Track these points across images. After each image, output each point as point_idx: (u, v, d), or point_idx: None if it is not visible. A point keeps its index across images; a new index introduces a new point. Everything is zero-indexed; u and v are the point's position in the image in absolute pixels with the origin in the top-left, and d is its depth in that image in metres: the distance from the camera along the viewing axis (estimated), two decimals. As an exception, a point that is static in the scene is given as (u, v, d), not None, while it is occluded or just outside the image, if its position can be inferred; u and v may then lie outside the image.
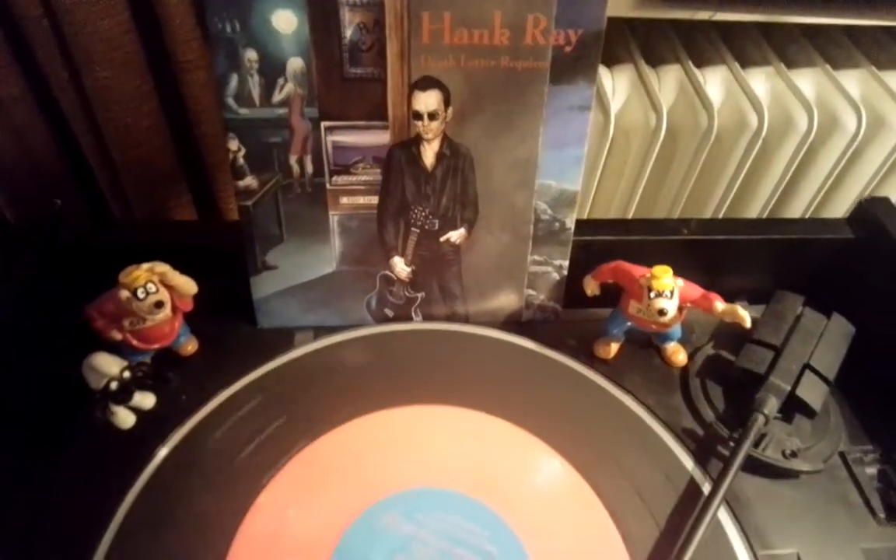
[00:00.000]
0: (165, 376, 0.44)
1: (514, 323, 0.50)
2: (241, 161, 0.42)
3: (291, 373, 0.45)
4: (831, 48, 0.71)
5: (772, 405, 0.42)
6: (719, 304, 0.41)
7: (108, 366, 0.38)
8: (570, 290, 0.49)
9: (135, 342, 0.42)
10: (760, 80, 0.67)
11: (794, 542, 0.39)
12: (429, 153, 0.42)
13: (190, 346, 0.46)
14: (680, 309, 0.43)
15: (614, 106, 0.65)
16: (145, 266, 0.39)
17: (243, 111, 0.40)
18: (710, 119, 0.62)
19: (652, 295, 0.41)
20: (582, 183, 0.44)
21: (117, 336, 0.42)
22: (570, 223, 0.46)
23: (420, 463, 0.40)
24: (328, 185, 0.43)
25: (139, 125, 0.51)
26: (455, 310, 0.49)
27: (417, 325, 0.49)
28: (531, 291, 0.49)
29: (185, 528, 0.37)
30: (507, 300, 0.49)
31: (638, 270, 0.43)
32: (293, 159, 0.42)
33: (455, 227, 0.45)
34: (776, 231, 0.49)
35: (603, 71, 0.65)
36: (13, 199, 0.53)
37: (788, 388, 0.42)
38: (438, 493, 0.39)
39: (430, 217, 0.45)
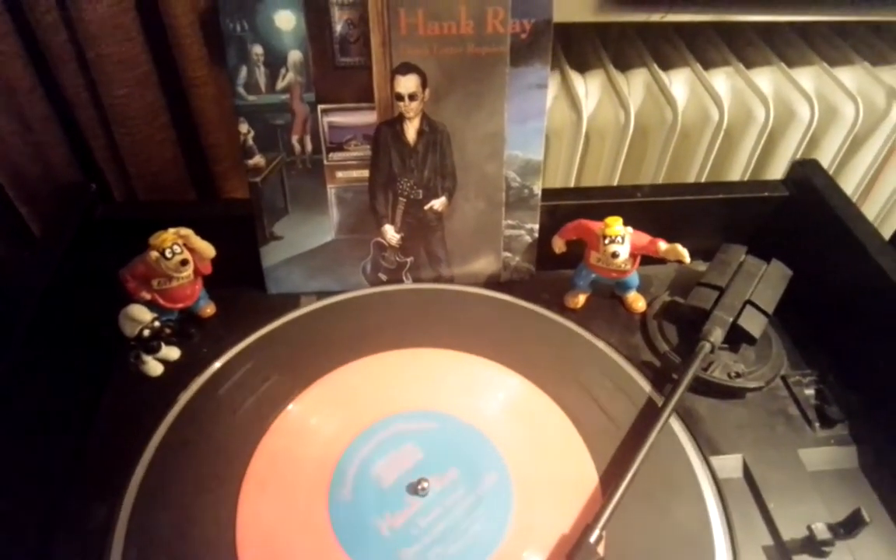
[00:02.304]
0: (188, 332, 0.51)
1: (493, 283, 0.56)
2: (250, 142, 0.49)
3: (298, 327, 0.51)
4: (785, 47, 0.78)
5: (717, 334, 0.47)
6: (662, 245, 0.47)
7: (142, 314, 0.45)
8: (541, 253, 0.56)
9: (162, 301, 0.49)
10: (721, 79, 0.74)
11: (740, 449, 0.45)
12: (411, 130, 0.49)
13: (209, 309, 0.52)
14: (633, 256, 0.49)
15: (587, 108, 0.72)
16: (172, 230, 0.46)
17: (251, 98, 0.47)
18: (674, 115, 0.69)
19: (606, 241, 0.48)
20: (546, 160, 0.51)
21: (146, 296, 0.48)
22: (538, 190, 0.53)
23: (414, 392, 0.46)
24: (325, 161, 0.50)
25: (152, 139, 0.56)
26: (441, 272, 0.56)
27: (408, 286, 0.55)
28: (507, 253, 0.55)
29: (209, 452, 0.43)
30: (486, 262, 0.55)
31: (595, 224, 0.49)
32: (295, 139, 0.49)
33: (437, 196, 0.52)
34: (720, 191, 0.55)
35: (575, 76, 0.72)
36: (37, 213, 0.59)
37: (731, 319, 0.48)
38: (430, 414, 0.45)
39: (415, 187, 0.51)
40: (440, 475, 0.41)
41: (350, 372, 0.48)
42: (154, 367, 0.48)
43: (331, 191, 0.51)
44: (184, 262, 0.47)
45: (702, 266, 0.56)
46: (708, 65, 0.74)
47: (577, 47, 0.77)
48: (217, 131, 0.59)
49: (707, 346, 0.47)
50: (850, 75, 0.73)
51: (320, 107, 0.48)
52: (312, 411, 0.45)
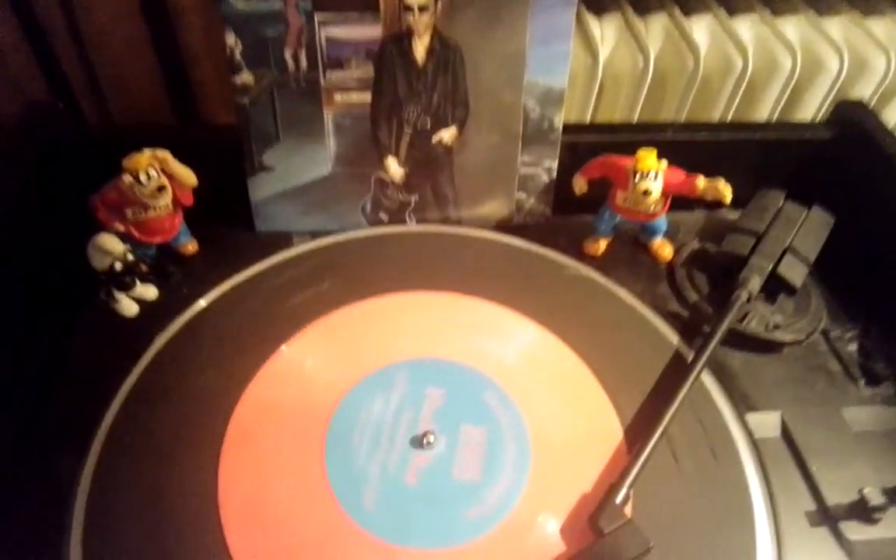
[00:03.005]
0: (168, 271, 0.46)
1: (505, 227, 0.51)
2: (237, 57, 0.43)
3: (289, 268, 0.46)
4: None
5: (754, 283, 0.43)
6: (701, 181, 0.43)
7: (113, 245, 0.40)
8: (558, 196, 0.51)
9: (137, 234, 0.44)
10: (745, 27, 0.68)
11: (778, 407, 0.40)
12: (420, 48, 0.44)
13: (190, 246, 0.47)
14: (665, 196, 0.44)
15: (603, 53, 0.67)
16: (147, 151, 0.41)
17: (240, 4, 0.42)
18: (696, 61, 0.64)
19: (637, 178, 0.43)
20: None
21: (120, 227, 0.43)
22: (559, 122, 0.48)
23: (420, 338, 0.42)
24: (322, 82, 0.45)
25: (131, 63, 0.51)
26: (448, 213, 0.51)
27: (412, 227, 0.50)
28: (521, 194, 0.50)
29: (188, 400, 0.38)
30: (498, 203, 0.50)
31: (625, 159, 0.44)
32: (288, 54, 0.44)
33: (447, 126, 0.47)
34: (758, 131, 0.50)
35: (591, 19, 0.67)
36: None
37: (770, 266, 0.44)
38: (438, 362, 0.40)
39: (422, 115, 0.46)
40: (448, 427, 0.37)
41: (348, 314, 0.43)
42: (128, 307, 0.43)
43: (328, 116, 0.46)
44: (161, 189, 0.41)
45: (733, 214, 0.51)
46: (732, 12, 0.69)
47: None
48: (204, 60, 0.54)
49: (743, 296, 0.42)
50: (882, 26, 0.68)
51: (318, 15, 0.42)
52: (307, 355, 0.41)
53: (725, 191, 0.42)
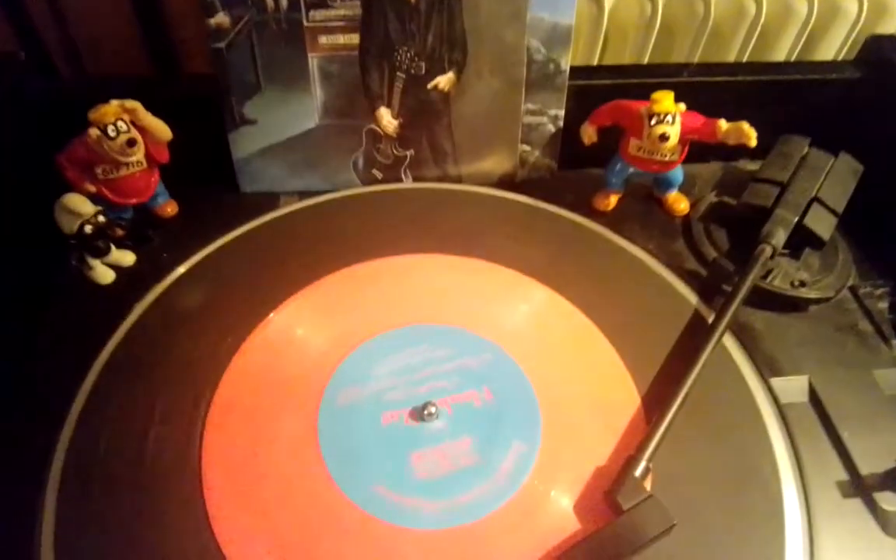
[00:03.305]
0: (145, 235, 0.42)
1: (508, 184, 0.48)
2: (212, -5, 0.39)
3: (278, 229, 0.43)
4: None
5: (779, 236, 0.40)
6: (723, 123, 0.39)
7: (81, 205, 0.36)
8: (565, 150, 0.47)
9: (110, 195, 0.40)
10: None
11: (805, 370, 0.37)
12: (412, -18, 0.40)
13: (169, 207, 0.44)
14: (682, 143, 0.41)
15: (608, 5, 0.62)
16: (115, 102, 0.37)
17: (212, -65, 0.38)
18: (706, 7, 0.59)
19: (653, 122, 0.39)
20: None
21: (91, 188, 0.40)
22: (566, 64, 0.44)
23: (419, 303, 0.38)
24: (305, 22, 0.41)
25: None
26: (447, 170, 0.47)
27: (408, 184, 0.47)
28: (525, 147, 0.47)
29: (169, 371, 0.35)
30: (500, 157, 0.47)
31: (638, 103, 0.41)
32: (268, -9, 0.40)
33: (443, 71, 0.43)
34: (779, 72, 0.47)
35: None
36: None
37: (795, 218, 0.40)
38: (438, 328, 0.37)
39: (416, 59, 0.42)
40: (451, 398, 0.34)
41: (342, 279, 0.40)
42: (103, 274, 0.40)
43: (312, 61, 0.42)
44: (130, 143, 0.38)
45: (753, 165, 0.48)
46: None
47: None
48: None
49: (768, 250, 0.39)
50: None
51: (298, -54, 0.38)
52: (298, 322, 0.37)
53: (750, 132, 0.38)
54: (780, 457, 0.33)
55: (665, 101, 0.38)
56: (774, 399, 0.36)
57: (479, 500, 0.30)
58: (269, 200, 0.46)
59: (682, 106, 0.39)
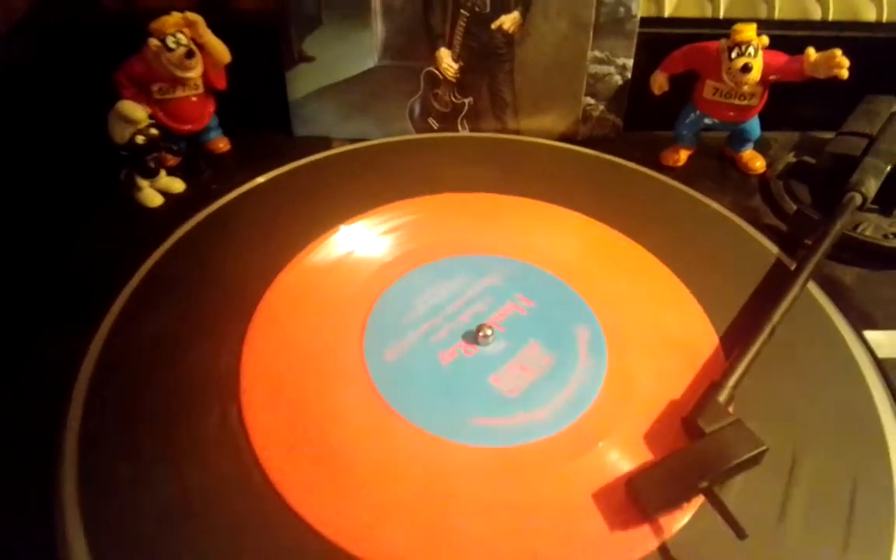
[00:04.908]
0: (199, 167, 0.41)
1: (569, 140, 0.46)
2: (280, -80, 0.39)
3: (332, 165, 0.42)
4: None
5: (870, 184, 0.36)
6: (812, 52, 0.36)
7: (135, 111, 0.36)
8: (631, 108, 0.45)
9: (165, 118, 0.40)
10: None
11: (904, 326, 0.34)
12: (482, -87, 0.39)
13: (221, 143, 0.43)
14: (763, 84, 0.38)
15: (668, 4, 0.60)
16: (177, 13, 0.37)
17: None
18: (769, 6, 0.57)
19: (734, 54, 0.37)
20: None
21: (147, 109, 0.39)
22: (636, 8, 0.42)
23: (481, 237, 0.36)
24: (372, -49, 0.40)
25: None
26: (505, 122, 0.45)
27: (466, 134, 0.45)
28: (590, 100, 0.45)
29: (210, 286, 0.34)
30: (562, 110, 0.45)
31: (715, 43, 0.38)
32: (336, -82, 0.39)
33: (508, 10, 0.42)
34: (865, 30, 0.44)
35: None
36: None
37: (889, 166, 0.37)
38: (504, 261, 0.35)
39: (481, -4, 0.41)
40: (508, 324, 0.31)
41: (397, 209, 0.38)
42: (151, 197, 0.39)
43: (376, -5, 0.41)
44: (189, 54, 0.37)
45: (830, 135, 0.44)
46: None
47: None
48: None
49: (858, 198, 0.36)
50: None
51: None
52: (352, 244, 0.35)
53: (843, 61, 0.35)
54: (882, 406, 0.29)
55: (747, 30, 0.36)
56: (870, 350, 0.32)
57: (539, 423, 0.27)
58: (322, 144, 0.45)
59: (766, 39, 0.37)
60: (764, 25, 0.44)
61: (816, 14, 0.56)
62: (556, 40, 0.42)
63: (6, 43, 0.40)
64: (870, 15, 0.56)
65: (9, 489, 0.26)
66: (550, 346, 0.30)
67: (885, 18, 0.55)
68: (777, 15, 0.56)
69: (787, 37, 0.43)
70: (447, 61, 0.43)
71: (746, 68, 0.36)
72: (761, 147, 0.44)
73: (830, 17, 0.55)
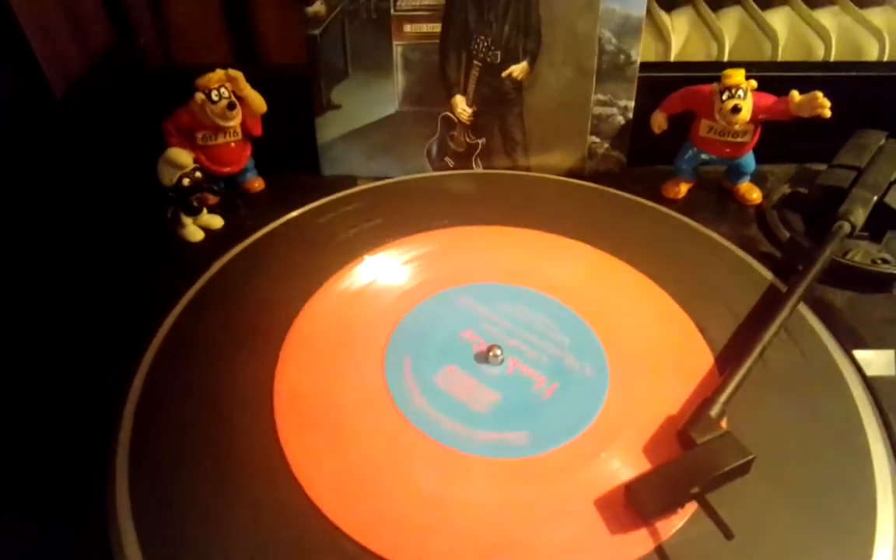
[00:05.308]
0: (234, 203, 0.45)
1: (576, 176, 0.49)
2: (311, -15, 0.44)
3: (357, 200, 0.45)
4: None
5: (857, 214, 0.39)
6: (796, 94, 0.39)
7: (182, 157, 0.40)
8: (634, 146, 0.48)
9: (206, 161, 0.44)
10: (826, 17, 0.64)
11: (890, 345, 0.36)
12: (492, -26, 0.43)
13: (257, 183, 0.47)
14: (754, 122, 0.41)
15: (675, 42, 0.64)
16: (220, 70, 0.41)
17: (316, -70, 0.42)
18: (773, 47, 0.60)
19: (724, 96, 0.40)
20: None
21: (191, 155, 0.43)
22: (636, 55, 0.45)
23: (495, 266, 0.39)
24: (393, 10, 0.44)
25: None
26: (516, 160, 0.49)
27: (480, 171, 0.49)
28: (595, 138, 0.48)
29: (247, 309, 0.37)
30: (569, 148, 0.48)
31: (708, 86, 0.42)
32: (360, -18, 0.44)
33: (517, 60, 0.45)
34: (853, 69, 0.47)
35: (662, 13, 0.64)
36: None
37: (875, 197, 0.39)
38: (514, 290, 0.38)
39: (492, 48, 0.45)
40: (518, 345, 0.34)
41: (417, 241, 0.41)
42: (193, 232, 0.43)
43: (397, 49, 0.45)
44: (231, 106, 0.41)
45: (825, 167, 0.47)
46: (812, 5, 0.65)
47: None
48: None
49: (846, 226, 0.38)
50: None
51: (391, -60, 0.42)
52: (372, 273, 0.39)
53: (825, 102, 0.38)
54: (868, 424, 0.31)
55: (736, 75, 0.39)
56: (858, 369, 0.34)
57: (544, 436, 0.30)
58: (348, 182, 0.48)
59: (754, 83, 0.40)
60: (757, 68, 0.47)
61: (820, 52, 0.59)
62: (562, 86, 0.46)
63: (66, 101, 0.44)
64: (872, 52, 0.60)
65: (66, 505, 0.28)
66: (556, 367, 0.33)
67: (886, 57, 0.58)
68: (781, 55, 0.59)
69: (780, 78, 0.46)
70: (462, 106, 0.47)
71: (736, 109, 0.39)
72: (758, 179, 0.46)
73: (833, 57, 0.59)
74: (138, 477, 0.29)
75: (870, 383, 0.33)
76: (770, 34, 0.59)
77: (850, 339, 0.36)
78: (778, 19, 0.63)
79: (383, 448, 0.30)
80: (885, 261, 0.38)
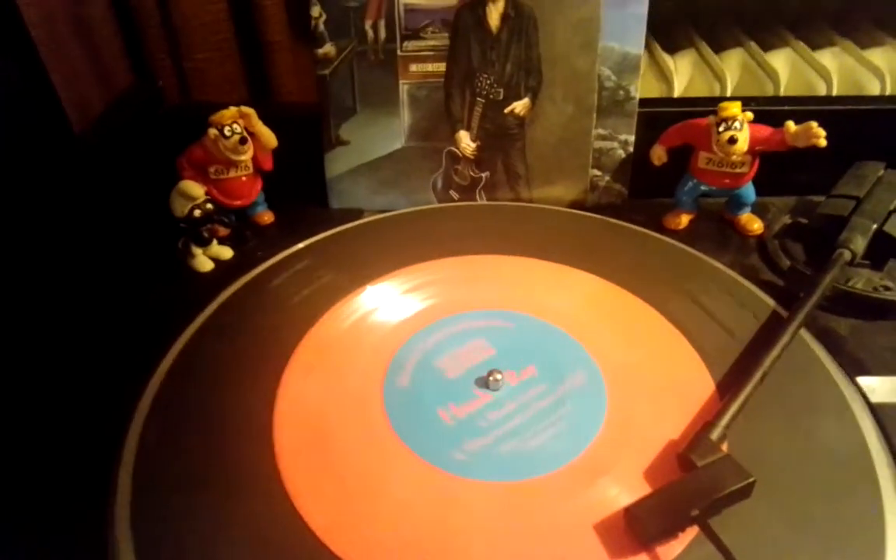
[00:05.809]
0: (244, 235, 0.47)
1: (579, 208, 0.50)
2: (321, 27, 0.45)
3: (361, 233, 0.46)
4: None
5: (857, 242, 0.39)
6: (791, 125, 0.40)
7: (194, 190, 0.41)
8: (635, 178, 0.49)
9: (218, 194, 0.45)
10: (828, 58, 0.65)
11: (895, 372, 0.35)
12: (494, 14, 0.45)
13: (266, 216, 0.49)
14: (751, 153, 0.42)
15: (678, 83, 0.65)
16: (233, 108, 0.43)
17: (326, -24, 0.44)
18: (776, 87, 0.61)
19: (721, 129, 0.41)
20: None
21: (203, 187, 0.45)
22: (635, 91, 0.47)
23: (492, 295, 0.40)
24: (399, 51, 0.46)
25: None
26: (519, 193, 0.50)
27: (483, 203, 0.50)
28: (596, 172, 0.49)
29: (253, 336, 0.38)
30: (571, 181, 0.49)
31: (706, 119, 0.43)
32: (368, 24, 0.45)
33: (519, 97, 0.47)
34: (851, 103, 0.47)
35: (665, 55, 0.66)
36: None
37: (874, 225, 0.40)
38: (515, 315, 0.38)
39: (495, 86, 0.46)
40: (516, 371, 0.35)
41: (416, 272, 0.42)
42: (203, 263, 0.44)
43: (403, 88, 0.47)
44: (242, 140, 0.43)
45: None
46: (813, 47, 0.67)
47: (666, 29, 0.71)
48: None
49: (846, 254, 0.38)
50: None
51: (397, -15, 0.44)
52: (372, 302, 0.39)
53: (819, 131, 0.39)
54: (875, 451, 0.31)
55: (732, 107, 0.40)
56: (863, 395, 0.34)
57: (543, 459, 0.30)
58: (355, 215, 0.50)
59: (750, 114, 0.41)
60: (756, 102, 0.48)
61: (822, 92, 0.60)
62: (563, 121, 0.47)
63: (85, 136, 0.46)
64: (873, 91, 0.61)
65: (67, 521, 0.29)
66: (557, 392, 0.33)
67: (888, 90, 0.59)
68: (783, 91, 0.60)
69: (778, 113, 0.47)
70: (466, 141, 0.48)
71: (732, 140, 0.40)
72: (759, 211, 0.47)
73: (835, 92, 0.60)
74: (140, 496, 0.29)
75: (874, 409, 0.33)
76: (772, 74, 0.60)
77: (854, 366, 0.36)
78: (779, 60, 0.65)
79: (382, 474, 0.30)
80: (886, 288, 0.38)
